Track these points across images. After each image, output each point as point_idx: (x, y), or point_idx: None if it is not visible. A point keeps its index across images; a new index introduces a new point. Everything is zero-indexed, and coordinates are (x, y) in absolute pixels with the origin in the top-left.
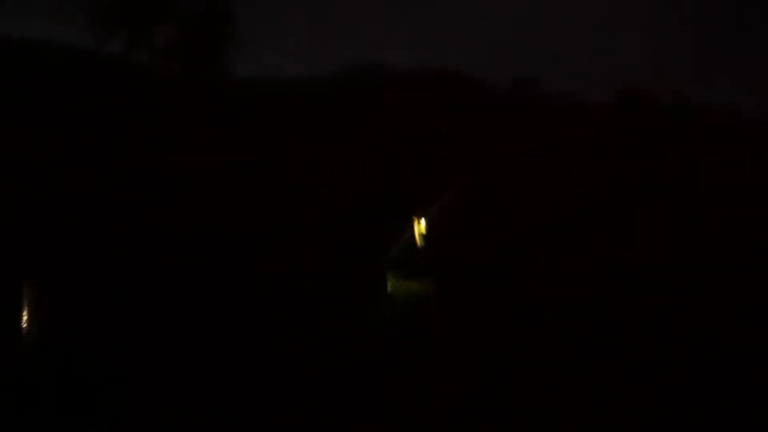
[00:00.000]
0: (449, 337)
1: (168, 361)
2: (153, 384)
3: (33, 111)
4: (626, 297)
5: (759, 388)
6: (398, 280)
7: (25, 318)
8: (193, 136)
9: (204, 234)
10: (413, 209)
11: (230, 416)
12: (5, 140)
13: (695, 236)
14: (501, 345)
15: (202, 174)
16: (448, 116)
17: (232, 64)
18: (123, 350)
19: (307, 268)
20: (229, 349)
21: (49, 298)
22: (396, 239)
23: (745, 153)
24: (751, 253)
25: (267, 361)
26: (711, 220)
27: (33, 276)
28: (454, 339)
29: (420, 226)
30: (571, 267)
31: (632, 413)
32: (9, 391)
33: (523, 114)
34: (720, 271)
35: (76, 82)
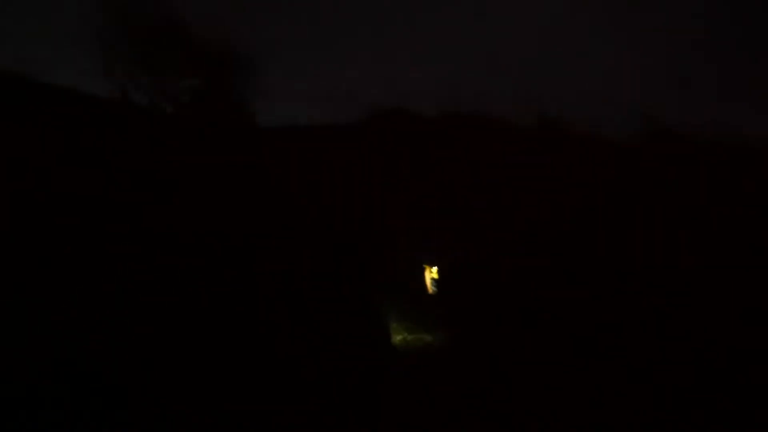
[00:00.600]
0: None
1: (168, 360)
2: (153, 383)
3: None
4: (630, 298)
5: (759, 388)
6: (409, 333)
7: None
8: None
9: (203, 236)
10: (424, 257)
11: (230, 416)
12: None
13: (695, 237)
14: (505, 345)
15: (202, 180)
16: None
17: (255, 113)
18: (123, 350)
19: (318, 267)
20: (228, 350)
21: (50, 298)
22: (405, 288)
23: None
24: (751, 254)
25: (268, 361)
26: (711, 220)
27: (35, 275)
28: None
29: (431, 273)
30: (574, 268)
31: (632, 413)
32: (9, 391)
33: (549, 152)
34: (720, 271)
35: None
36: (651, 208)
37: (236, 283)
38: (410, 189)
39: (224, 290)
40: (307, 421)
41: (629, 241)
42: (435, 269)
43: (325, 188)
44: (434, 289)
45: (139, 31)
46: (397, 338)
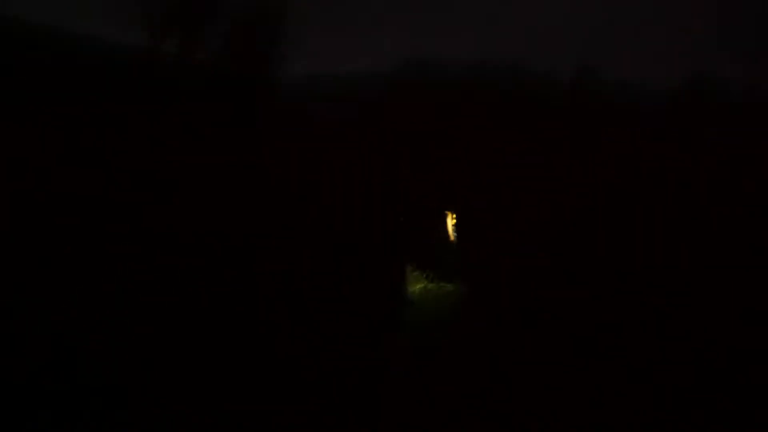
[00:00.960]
0: (465, 339)
1: (168, 360)
2: (153, 384)
3: (34, 110)
4: (628, 297)
5: (759, 388)
6: (429, 282)
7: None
8: (202, 134)
9: (206, 233)
10: (446, 204)
11: (230, 416)
12: (5, 140)
13: (696, 235)
14: (505, 345)
15: (206, 173)
16: (501, 115)
17: (285, 62)
18: (123, 350)
19: (319, 267)
20: (229, 349)
21: (50, 298)
22: (426, 236)
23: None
24: (751, 253)
25: (268, 361)
26: (712, 218)
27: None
28: (468, 340)
29: (453, 221)
30: (574, 266)
31: (632, 413)
32: (9, 391)
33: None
34: (720, 271)
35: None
36: (652, 206)
37: (237, 283)
38: (433, 154)
39: (225, 290)
40: (307, 421)
41: (631, 240)
42: (455, 218)
43: (344, 154)
44: (455, 236)
45: None
46: (417, 287)
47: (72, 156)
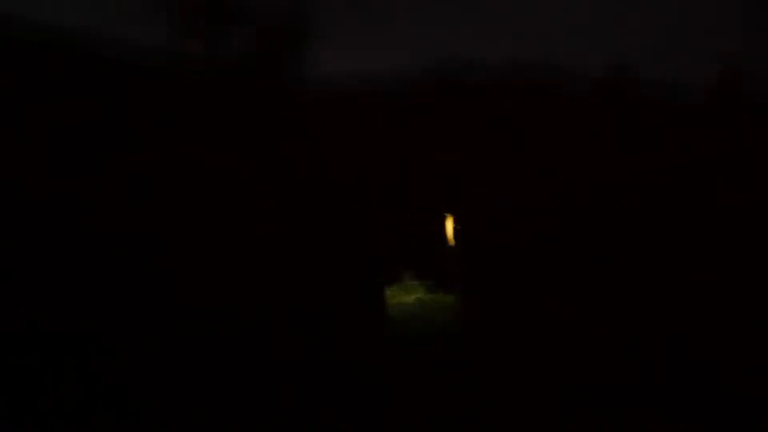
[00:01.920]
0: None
1: (167, 361)
2: (149, 385)
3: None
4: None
5: (759, 389)
6: (425, 293)
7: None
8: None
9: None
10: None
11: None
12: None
13: (698, 233)
14: (505, 366)
15: (223, 175)
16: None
17: (313, 62)
18: (118, 351)
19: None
20: (223, 352)
21: (43, 300)
22: (425, 240)
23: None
24: (753, 252)
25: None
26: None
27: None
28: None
29: (454, 225)
30: (586, 275)
31: (632, 413)
32: (8, 391)
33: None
34: (721, 271)
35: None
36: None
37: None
38: (449, 150)
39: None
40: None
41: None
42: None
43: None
44: (458, 241)
45: None
46: (411, 297)
47: (83, 158)
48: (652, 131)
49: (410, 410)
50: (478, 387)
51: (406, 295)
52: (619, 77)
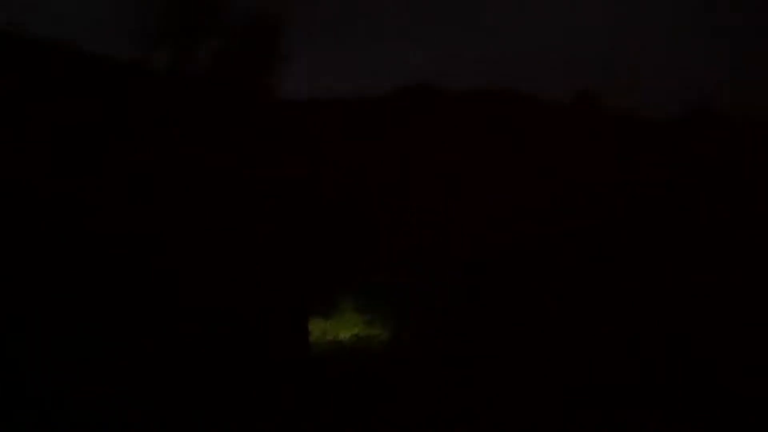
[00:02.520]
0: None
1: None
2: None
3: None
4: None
5: (759, 389)
6: (363, 327)
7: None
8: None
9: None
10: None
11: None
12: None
13: (697, 235)
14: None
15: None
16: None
17: (280, 81)
18: (113, 353)
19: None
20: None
21: (40, 300)
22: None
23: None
24: (751, 254)
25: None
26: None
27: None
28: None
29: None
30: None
31: (632, 413)
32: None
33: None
34: (721, 271)
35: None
36: (691, 196)
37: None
38: (425, 165)
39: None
40: None
41: (663, 230)
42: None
43: (336, 168)
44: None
45: None
46: (347, 334)
47: (62, 165)
48: (632, 144)
49: None
50: (478, 386)
51: (339, 330)
52: (587, 106)
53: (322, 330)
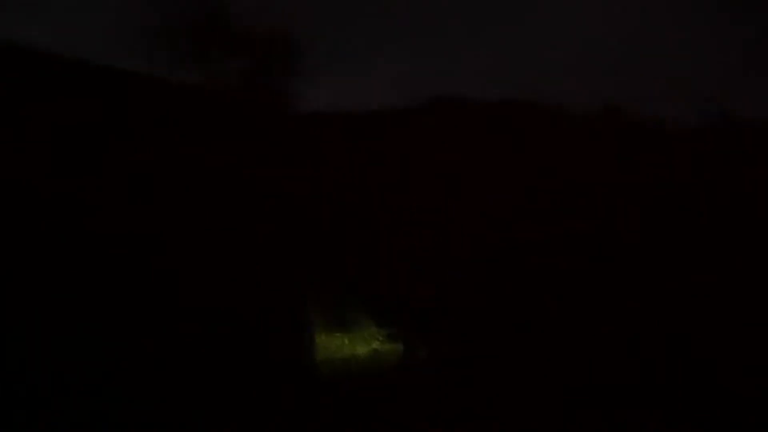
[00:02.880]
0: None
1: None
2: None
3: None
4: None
5: (759, 389)
6: (381, 342)
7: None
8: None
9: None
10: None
11: None
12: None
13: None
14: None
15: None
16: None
17: (299, 95)
18: (113, 353)
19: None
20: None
21: (40, 300)
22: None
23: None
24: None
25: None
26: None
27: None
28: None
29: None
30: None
31: (632, 413)
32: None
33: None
34: (721, 271)
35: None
36: (694, 198)
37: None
38: (450, 177)
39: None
40: None
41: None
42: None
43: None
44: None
45: (183, 17)
46: (363, 350)
47: (62, 165)
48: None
49: None
50: (478, 386)
51: (355, 347)
52: (604, 117)
53: (337, 345)
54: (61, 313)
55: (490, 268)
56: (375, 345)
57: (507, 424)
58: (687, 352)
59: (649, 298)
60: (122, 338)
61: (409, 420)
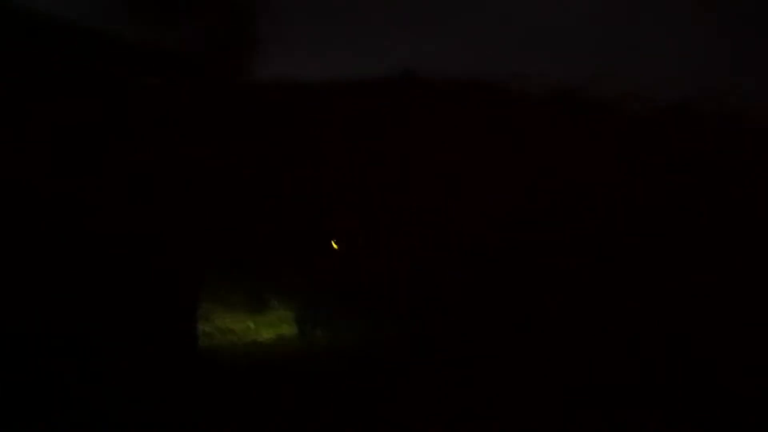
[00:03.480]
0: None
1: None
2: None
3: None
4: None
5: (759, 389)
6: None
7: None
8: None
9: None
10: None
11: None
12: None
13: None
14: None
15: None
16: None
17: (254, 63)
18: (113, 353)
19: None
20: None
21: (40, 300)
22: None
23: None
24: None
25: None
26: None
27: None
28: None
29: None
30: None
31: (632, 413)
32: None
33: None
34: (721, 270)
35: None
36: (691, 194)
37: None
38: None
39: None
40: None
41: (645, 228)
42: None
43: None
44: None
45: None
46: (268, 333)
47: (62, 165)
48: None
49: None
50: (478, 386)
51: (266, 328)
52: (591, 88)
53: (242, 329)
54: (61, 313)
55: (489, 268)
56: (283, 329)
57: (507, 424)
58: (687, 352)
59: (649, 298)
60: (122, 338)
61: (410, 420)
